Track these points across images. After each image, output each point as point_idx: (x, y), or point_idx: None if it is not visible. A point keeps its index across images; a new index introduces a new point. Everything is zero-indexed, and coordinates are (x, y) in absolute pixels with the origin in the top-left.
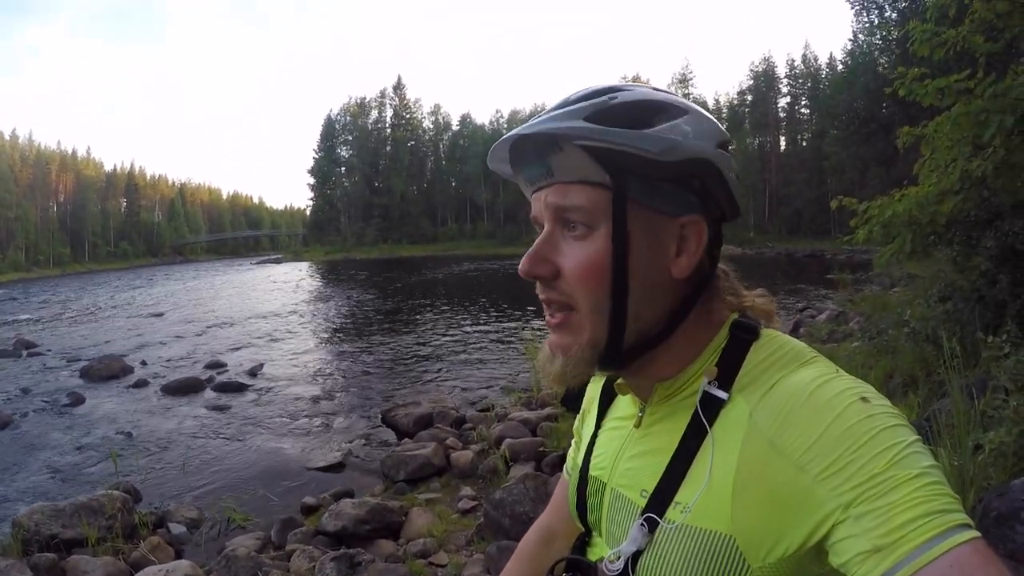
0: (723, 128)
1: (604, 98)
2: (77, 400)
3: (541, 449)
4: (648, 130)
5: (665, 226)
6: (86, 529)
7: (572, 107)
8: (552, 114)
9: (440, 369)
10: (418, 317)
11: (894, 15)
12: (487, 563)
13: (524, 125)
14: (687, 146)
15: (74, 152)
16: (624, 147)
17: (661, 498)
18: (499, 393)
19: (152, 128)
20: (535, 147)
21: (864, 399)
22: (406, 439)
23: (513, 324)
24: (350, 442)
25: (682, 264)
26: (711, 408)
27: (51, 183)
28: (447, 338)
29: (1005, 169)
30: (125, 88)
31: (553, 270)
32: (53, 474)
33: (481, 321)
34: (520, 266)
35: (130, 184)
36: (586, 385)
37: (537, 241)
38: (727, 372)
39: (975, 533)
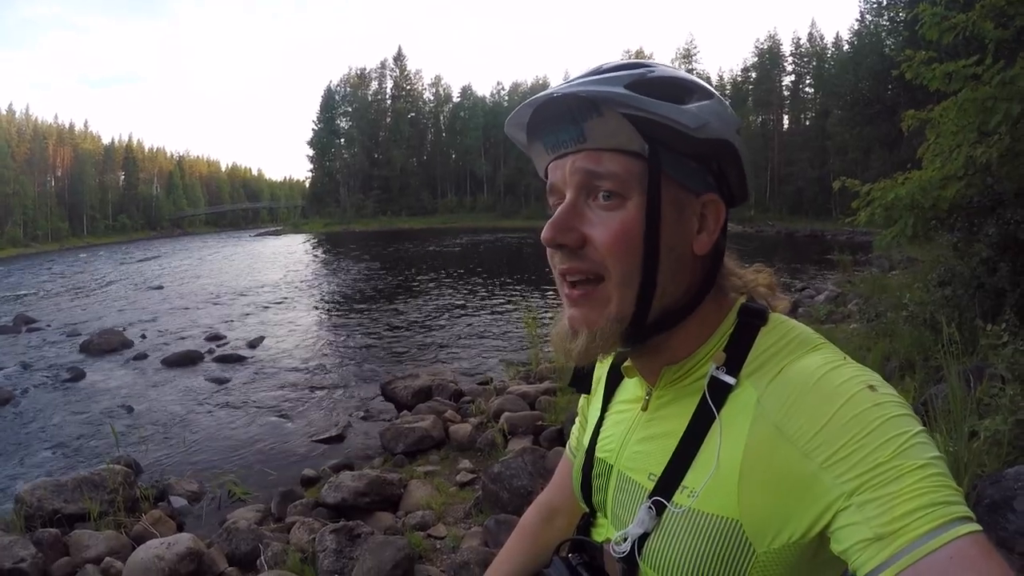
0: (737, 117)
1: (642, 70)
2: (77, 375)
3: (539, 423)
4: (684, 106)
5: (689, 202)
6: (88, 504)
7: (610, 75)
8: (590, 79)
9: (439, 342)
10: (417, 290)
11: None
12: (485, 536)
13: (561, 86)
14: (716, 127)
15: (71, 126)
16: (664, 119)
17: (669, 482)
18: (498, 366)
19: (150, 101)
20: (570, 110)
21: (871, 387)
22: (405, 411)
23: (512, 297)
24: (349, 414)
25: (703, 241)
26: (719, 393)
27: (48, 157)
28: (446, 311)
29: (1010, 157)
30: (123, 61)
31: (579, 239)
32: (54, 449)
33: (480, 294)
34: (544, 233)
35: (128, 157)
36: (595, 364)
37: (561, 209)
38: (735, 357)
39: (976, 526)
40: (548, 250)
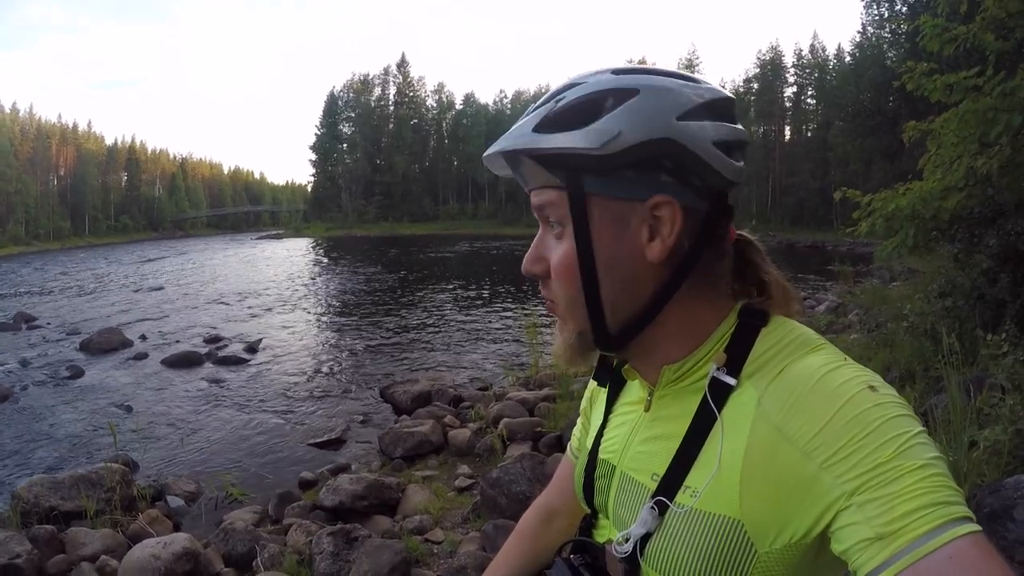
0: (707, 88)
1: (551, 103)
2: (76, 373)
3: (538, 429)
4: (589, 126)
5: (634, 212)
6: (85, 501)
7: (528, 118)
8: (514, 128)
9: (439, 347)
10: (418, 295)
11: (904, 9)
12: (483, 541)
13: (499, 140)
14: (635, 131)
15: (75, 126)
16: (566, 151)
17: (671, 482)
18: (498, 372)
19: (153, 103)
20: (505, 162)
21: (872, 388)
22: (404, 416)
23: (512, 304)
24: (348, 418)
25: (656, 248)
26: (720, 394)
27: (51, 157)
28: (446, 316)
29: (1011, 168)
30: (127, 63)
31: (546, 269)
32: (52, 447)
33: (480, 300)
34: (522, 266)
35: (131, 158)
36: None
37: (534, 242)
38: (736, 358)
39: (976, 527)
40: None
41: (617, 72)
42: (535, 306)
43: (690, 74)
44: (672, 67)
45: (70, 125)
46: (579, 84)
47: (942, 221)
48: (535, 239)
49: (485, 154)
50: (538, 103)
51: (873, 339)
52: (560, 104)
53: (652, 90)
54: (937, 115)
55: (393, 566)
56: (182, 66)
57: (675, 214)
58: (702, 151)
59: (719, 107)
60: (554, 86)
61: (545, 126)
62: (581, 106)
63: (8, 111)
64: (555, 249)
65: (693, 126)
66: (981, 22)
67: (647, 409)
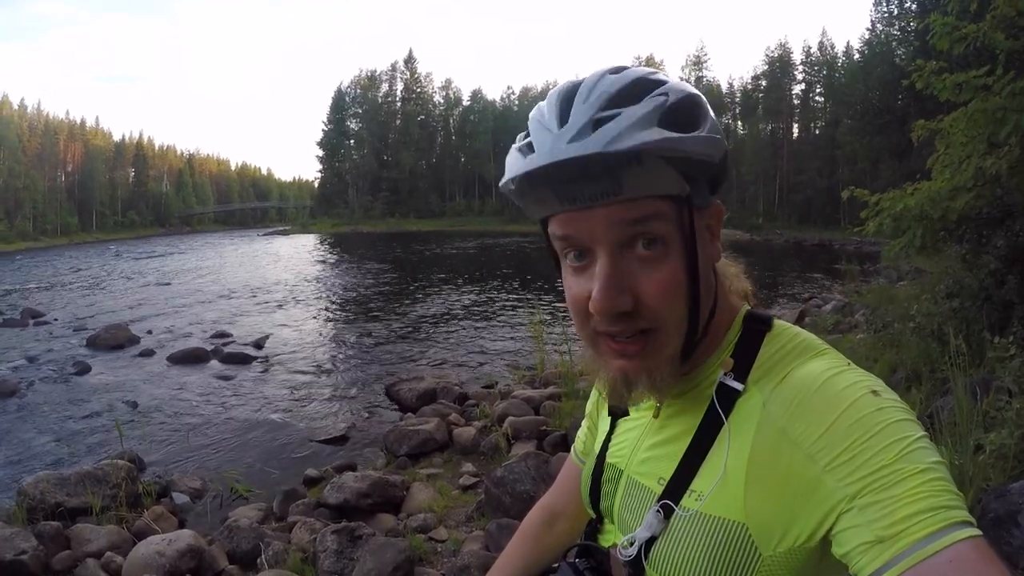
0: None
1: (661, 98)
2: (83, 369)
3: (543, 428)
4: (703, 133)
5: (704, 217)
6: (90, 498)
7: (637, 109)
8: (620, 120)
9: (445, 345)
10: (424, 292)
11: (914, 6)
12: (487, 540)
13: (571, 133)
14: (722, 139)
15: (83, 122)
16: (699, 155)
17: (677, 486)
18: (503, 371)
19: (161, 98)
20: (605, 162)
21: (874, 392)
22: (409, 414)
23: (519, 302)
24: (353, 415)
25: (717, 249)
26: (727, 399)
27: (59, 153)
28: (452, 314)
29: (1020, 168)
30: (135, 59)
31: (632, 300)
32: (58, 443)
33: (487, 298)
34: (597, 304)
35: (138, 154)
36: None
37: (606, 274)
38: (742, 363)
39: (976, 531)
40: (581, 310)
41: (654, 74)
42: (541, 304)
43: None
44: (678, 65)
45: (78, 121)
46: (660, 81)
47: (950, 221)
48: (606, 270)
49: (596, 149)
50: (618, 90)
51: (880, 339)
52: (671, 101)
53: (703, 99)
54: (946, 114)
55: (397, 564)
56: (190, 62)
57: (720, 216)
58: (727, 161)
59: None
60: (565, 81)
61: (672, 125)
62: (689, 109)
63: (16, 107)
64: (652, 272)
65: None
66: (991, 21)
67: (656, 415)
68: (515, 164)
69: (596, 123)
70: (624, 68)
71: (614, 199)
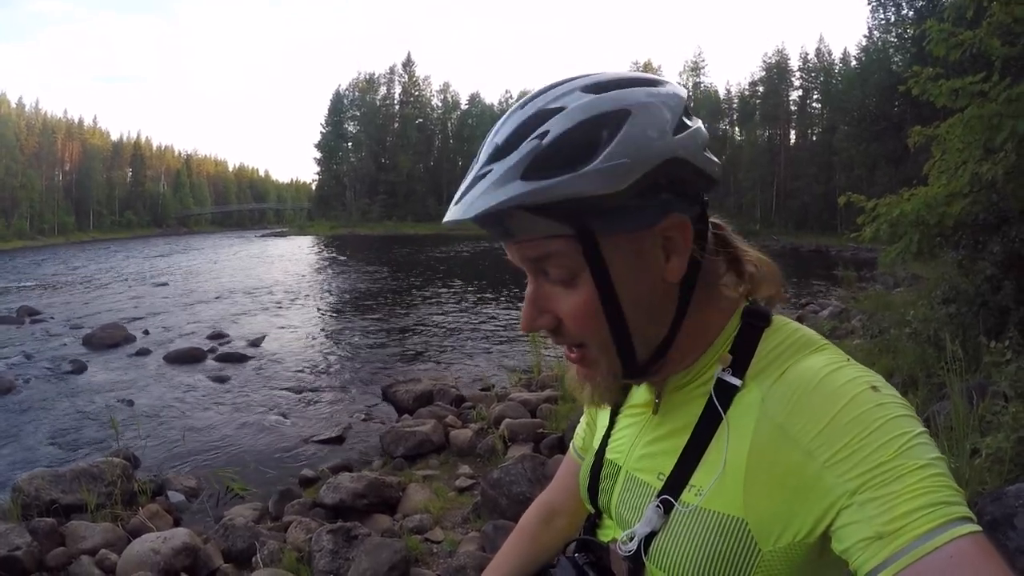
0: (674, 93)
1: (535, 141)
2: (79, 367)
3: (540, 430)
4: (591, 165)
5: (645, 239)
6: (86, 495)
7: (506, 163)
8: (487, 181)
9: (441, 347)
10: (421, 294)
11: (911, 13)
12: (483, 541)
13: (462, 200)
14: (640, 160)
15: (80, 121)
16: (572, 196)
17: (677, 481)
18: (500, 373)
19: (160, 99)
20: (483, 220)
21: (874, 388)
22: (406, 415)
23: (516, 305)
24: (350, 416)
25: (674, 266)
26: (725, 394)
27: (57, 152)
28: (449, 316)
29: (1016, 175)
30: (133, 58)
31: (553, 319)
32: (54, 440)
33: (483, 301)
34: (521, 324)
35: (136, 154)
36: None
37: (528, 296)
38: (741, 359)
39: (976, 527)
40: None
41: (588, 88)
42: None
43: (646, 75)
44: (676, 71)
45: (76, 120)
46: (556, 110)
47: (946, 227)
48: (528, 294)
49: (460, 216)
50: (504, 139)
51: (876, 345)
52: (548, 141)
53: (641, 107)
54: (943, 120)
55: (392, 565)
56: (188, 63)
57: (685, 229)
58: (699, 161)
59: (688, 107)
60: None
61: (537, 169)
62: (574, 140)
63: (14, 105)
64: (565, 298)
65: (686, 137)
66: (987, 27)
67: (655, 412)
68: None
69: (474, 181)
70: (551, 88)
71: (512, 240)
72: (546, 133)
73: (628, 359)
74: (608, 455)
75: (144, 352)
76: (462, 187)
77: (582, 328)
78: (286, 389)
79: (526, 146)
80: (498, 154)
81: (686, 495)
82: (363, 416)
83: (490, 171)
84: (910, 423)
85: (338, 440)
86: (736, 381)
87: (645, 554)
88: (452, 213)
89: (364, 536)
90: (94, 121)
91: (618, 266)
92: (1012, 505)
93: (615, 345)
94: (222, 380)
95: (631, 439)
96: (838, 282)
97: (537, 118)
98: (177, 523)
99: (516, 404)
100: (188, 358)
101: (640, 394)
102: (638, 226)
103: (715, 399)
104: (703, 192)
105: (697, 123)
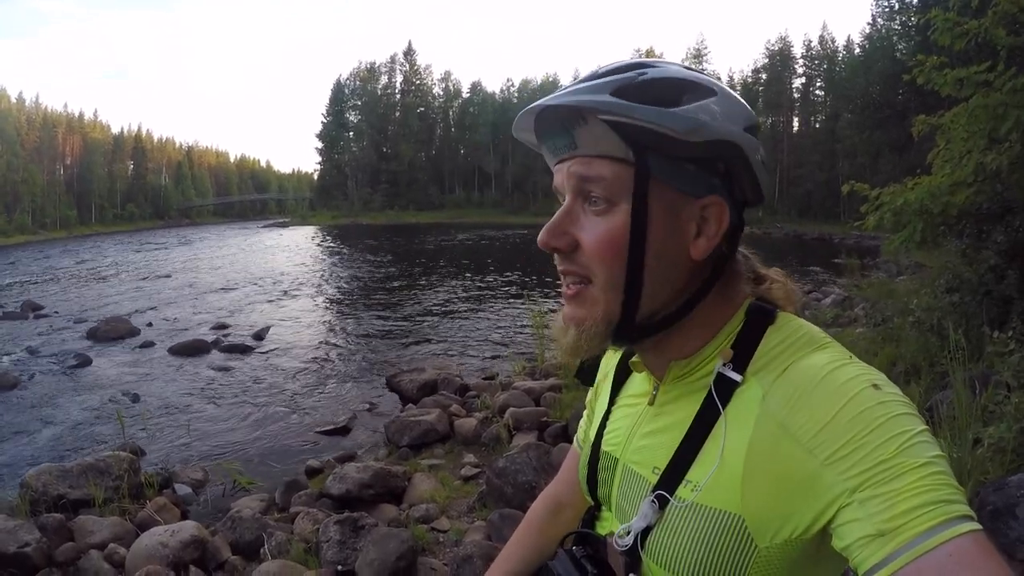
0: (749, 108)
1: (632, 73)
2: (84, 361)
3: (544, 419)
4: (675, 109)
5: (686, 206)
6: (93, 489)
7: (600, 80)
8: (580, 86)
9: (445, 336)
10: (424, 283)
11: (915, 1)
12: (488, 530)
13: (552, 95)
14: (713, 127)
15: (81, 115)
16: (649, 124)
17: (672, 476)
18: (504, 362)
19: (160, 91)
20: (560, 118)
21: (875, 386)
22: (410, 405)
23: (519, 293)
24: (354, 407)
25: (701, 245)
26: (725, 389)
27: (58, 146)
28: (453, 306)
29: (1020, 164)
30: (133, 51)
31: (571, 242)
32: (60, 435)
33: (487, 290)
34: (539, 237)
35: (137, 147)
36: (600, 358)
37: (557, 213)
38: (742, 354)
39: (976, 525)
40: None
41: (687, 68)
42: (541, 296)
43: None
44: (678, 57)
45: (76, 114)
46: (654, 66)
47: (950, 216)
48: (561, 211)
49: (543, 101)
50: (601, 72)
51: (879, 334)
52: (643, 78)
53: (727, 94)
54: (947, 109)
55: (399, 554)
56: (189, 55)
57: (723, 215)
58: (755, 163)
59: (757, 127)
60: (563, 75)
61: (626, 94)
62: (665, 86)
63: (15, 100)
64: (595, 225)
65: (751, 139)
66: (993, 17)
67: (651, 403)
68: (517, 123)
69: (579, 83)
70: (669, 63)
71: (572, 153)
72: (644, 72)
73: (629, 309)
74: (604, 447)
75: (148, 345)
76: (546, 97)
77: (601, 257)
78: (290, 380)
79: (622, 76)
80: (593, 77)
81: (682, 490)
82: (368, 406)
83: (583, 86)
84: (911, 421)
85: (343, 431)
86: (736, 376)
87: (641, 548)
88: (537, 103)
89: (371, 526)
90: (95, 115)
91: (655, 214)
92: (1014, 495)
93: (624, 286)
94: (227, 372)
95: (627, 431)
96: (841, 270)
97: (635, 65)
98: (184, 516)
99: (520, 393)
100: (192, 350)
101: (637, 385)
102: (685, 189)
103: (715, 394)
104: (747, 199)
105: (759, 143)
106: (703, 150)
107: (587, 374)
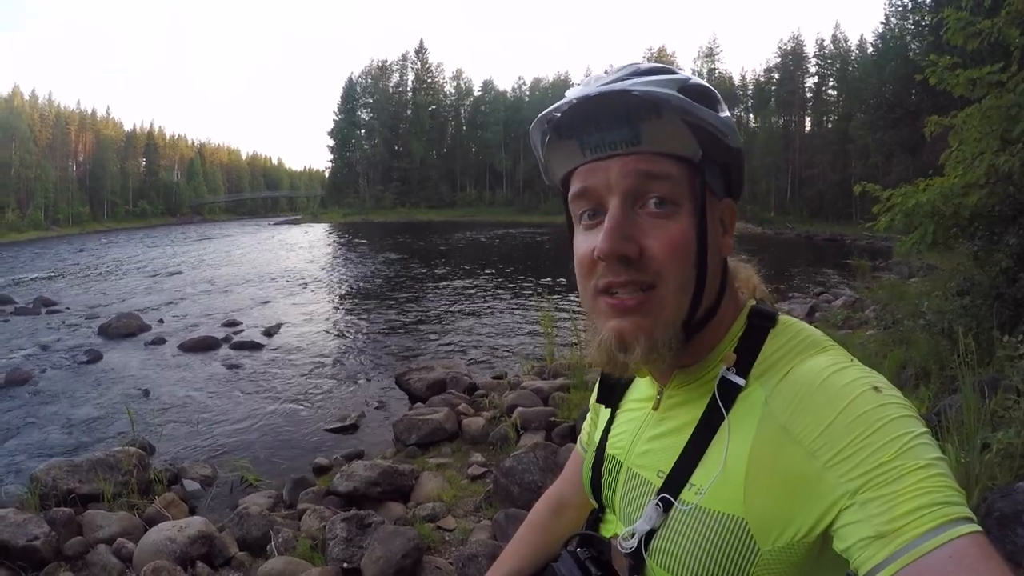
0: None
1: (682, 76)
2: (95, 357)
3: (552, 419)
4: (723, 115)
5: (716, 206)
6: (102, 484)
7: (657, 77)
8: (639, 79)
9: (455, 335)
10: (434, 282)
11: (928, 1)
12: (494, 530)
13: (604, 82)
14: (736, 136)
15: (94, 112)
16: (712, 127)
17: (677, 479)
18: (513, 361)
19: (173, 88)
20: (626, 109)
21: (876, 388)
22: (419, 403)
23: (529, 293)
24: (363, 404)
25: (727, 243)
26: (728, 393)
27: (71, 143)
28: (462, 304)
29: None
30: (146, 49)
31: (637, 248)
32: (70, 430)
33: (497, 288)
34: (602, 245)
35: (150, 144)
36: (632, 377)
37: (615, 218)
38: (745, 358)
39: (976, 527)
40: (585, 263)
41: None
42: (551, 295)
43: None
44: (690, 56)
45: (89, 111)
46: (680, 74)
47: (962, 218)
48: (619, 215)
49: (626, 87)
50: (644, 70)
51: (889, 336)
52: (692, 82)
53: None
54: (960, 110)
55: (405, 552)
56: (201, 53)
57: (734, 215)
58: (743, 171)
59: None
60: (574, 75)
61: (691, 95)
62: (708, 93)
63: (28, 98)
64: (662, 227)
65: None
66: (1006, 16)
67: (656, 407)
68: (544, 115)
69: (627, 76)
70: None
71: (632, 149)
72: (688, 79)
73: (693, 311)
74: (609, 450)
75: (159, 341)
76: (593, 83)
77: (672, 260)
78: (300, 377)
79: (674, 77)
80: (640, 73)
81: (686, 494)
82: (376, 404)
83: (643, 80)
84: (912, 423)
85: (351, 428)
86: (740, 380)
87: (645, 551)
88: (592, 89)
89: (377, 524)
90: (107, 112)
91: (709, 213)
92: (1021, 501)
93: (694, 286)
94: (236, 368)
95: (631, 435)
96: (852, 272)
97: (667, 69)
98: (192, 512)
99: (529, 392)
100: (203, 347)
101: (641, 389)
102: (718, 190)
103: (718, 398)
104: (736, 198)
105: None
106: (732, 156)
107: (610, 393)
